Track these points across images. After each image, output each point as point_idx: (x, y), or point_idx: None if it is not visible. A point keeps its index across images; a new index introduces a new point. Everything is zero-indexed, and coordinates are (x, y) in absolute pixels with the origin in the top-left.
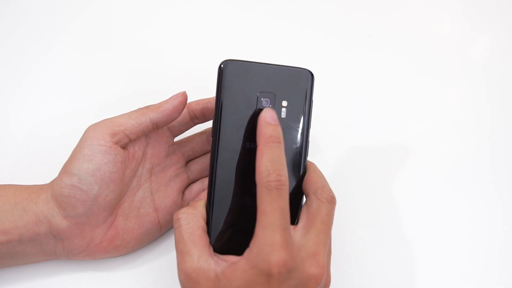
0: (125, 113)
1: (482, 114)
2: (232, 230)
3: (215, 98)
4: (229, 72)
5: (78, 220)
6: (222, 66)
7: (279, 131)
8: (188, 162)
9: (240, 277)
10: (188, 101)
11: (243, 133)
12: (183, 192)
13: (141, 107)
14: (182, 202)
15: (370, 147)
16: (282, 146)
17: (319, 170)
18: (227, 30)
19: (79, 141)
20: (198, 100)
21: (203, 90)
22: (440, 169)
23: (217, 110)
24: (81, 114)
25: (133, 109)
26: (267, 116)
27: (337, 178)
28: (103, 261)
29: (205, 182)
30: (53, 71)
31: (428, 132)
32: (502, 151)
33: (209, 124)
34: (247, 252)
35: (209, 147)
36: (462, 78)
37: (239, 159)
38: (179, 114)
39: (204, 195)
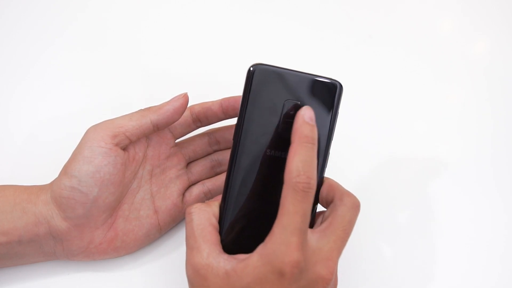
0: (125, 115)
1: (484, 113)
2: (243, 233)
3: (240, 101)
4: (257, 77)
5: (78, 222)
6: (251, 69)
7: (315, 132)
8: (189, 163)
9: (252, 273)
10: (191, 103)
11: (265, 139)
12: (183, 194)
13: (142, 108)
14: (182, 204)
15: (370, 147)
16: (316, 148)
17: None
18: (228, 32)
19: (79, 142)
20: (201, 103)
21: (207, 92)
22: (442, 169)
23: (241, 114)
24: (82, 115)
25: (134, 111)
26: (306, 115)
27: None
28: (103, 261)
29: (205, 184)
30: (53, 71)
31: (429, 132)
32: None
33: (211, 127)
34: (261, 248)
35: (210, 149)
36: (462, 77)
37: (258, 165)
38: (180, 116)
39: (219, 198)
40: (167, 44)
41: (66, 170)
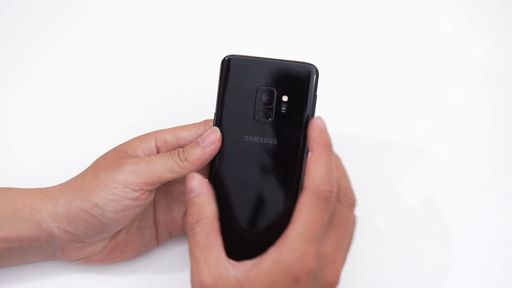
0: (165, 160)
1: (484, 113)
2: (236, 226)
3: (217, 93)
4: (230, 67)
5: (84, 240)
6: (224, 61)
7: (331, 141)
8: None
9: (266, 280)
10: (193, 103)
11: (242, 126)
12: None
13: (181, 156)
14: (181, 221)
15: (370, 147)
16: (333, 157)
17: (343, 166)
18: (229, 30)
19: (113, 172)
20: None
21: (210, 91)
22: (441, 168)
23: (218, 103)
24: (82, 114)
25: (136, 109)
26: (322, 124)
27: None
28: None
29: None
30: (53, 71)
31: (429, 131)
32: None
33: None
34: (273, 253)
35: None
36: (463, 77)
37: (239, 152)
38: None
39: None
40: (167, 43)
41: (91, 194)
